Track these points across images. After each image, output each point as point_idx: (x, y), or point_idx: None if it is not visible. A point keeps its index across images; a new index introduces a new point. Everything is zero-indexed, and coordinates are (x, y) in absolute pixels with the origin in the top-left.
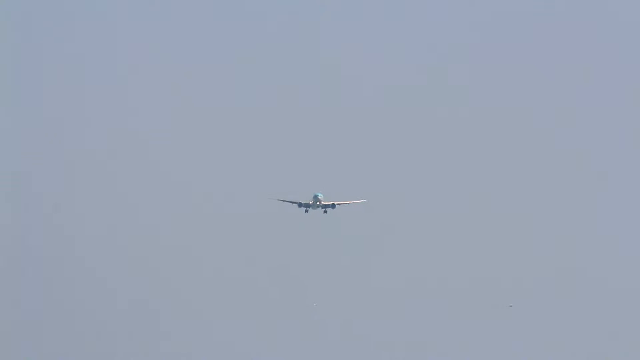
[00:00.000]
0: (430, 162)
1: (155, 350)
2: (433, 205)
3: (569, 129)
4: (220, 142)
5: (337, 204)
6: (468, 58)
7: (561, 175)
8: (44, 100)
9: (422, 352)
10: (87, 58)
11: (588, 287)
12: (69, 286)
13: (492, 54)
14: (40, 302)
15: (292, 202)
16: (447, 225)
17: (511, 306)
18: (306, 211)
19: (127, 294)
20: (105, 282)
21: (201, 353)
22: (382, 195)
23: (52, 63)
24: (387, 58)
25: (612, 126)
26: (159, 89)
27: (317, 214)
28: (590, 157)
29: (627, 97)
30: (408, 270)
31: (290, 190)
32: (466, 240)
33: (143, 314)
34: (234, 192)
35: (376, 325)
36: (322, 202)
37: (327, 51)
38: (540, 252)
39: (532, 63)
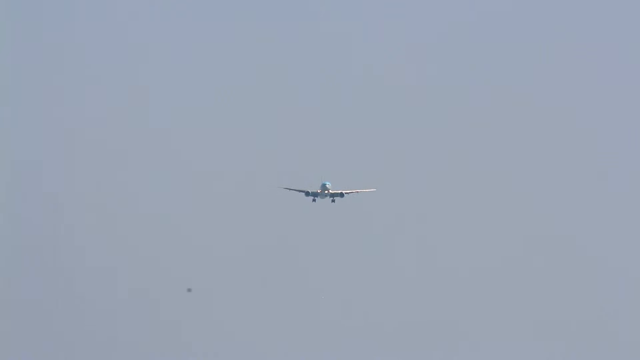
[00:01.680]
0: (441, 150)
1: (163, 341)
2: (444, 194)
3: (571, 126)
4: (227, 129)
5: (346, 193)
6: (476, 47)
7: (570, 168)
8: (43, 99)
9: (430, 342)
10: (87, 56)
11: (593, 283)
12: (71, 282)
13: (494, 49)
14: (41, 301)
15: (299, 191)
16: (458, 214)
17: None
18: (314, 200)
19: (130, 285)
20: (108, 270)
21: (207, 343)
22: (392, 184)
23: (51, 62)
24: (398, 45)
25: (616, 125)
26: (164, 78)
27: (324, 203)
28: (596, 154)
29: (631, 97)
30: (418, 261)
31: (297, 178)
32: (477, 229)
33: (147, 305)
34: (240, 180)
35: (385, 317)
36: (330, 191)
37: (334, 39)
38: (552, 241)
39: (534, 62)
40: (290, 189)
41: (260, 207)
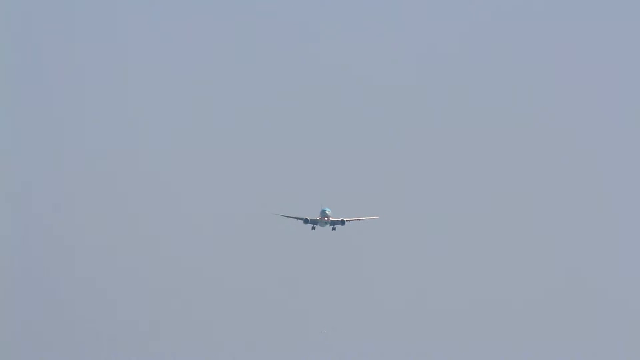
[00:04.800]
0: (447, 176)
1: None
2: (450, 222)
3: (578, 130)
4: (222, 153)
5: (347, 221)
6: (482, 69)
7: (583, 184)
8: (43, 103)
9: None
10: (87, 59)
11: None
12: (65, 289)
13: (501, 73)
14: (38, 306)
15: (298, 218)
16: (465, 242)
17: None
18: (313, 228)
19: (126, 314)
20: (105, 299)
21: None
22: (395, 211)
23: (50, 66)
24: (404, 73)
25: (616, 127)
26: (160, 103)
27: (324, 231)
28: (603, 160)
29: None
30: (423, 291)
31: (295, 204)
32: (484, 258)
33: (143, 337)
34: (235, 207)
35: (388, 349)
36: (331, 218)
37: (338, 62)
38: (558, 269)
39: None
40: (288, 217)
41: (257, 235)
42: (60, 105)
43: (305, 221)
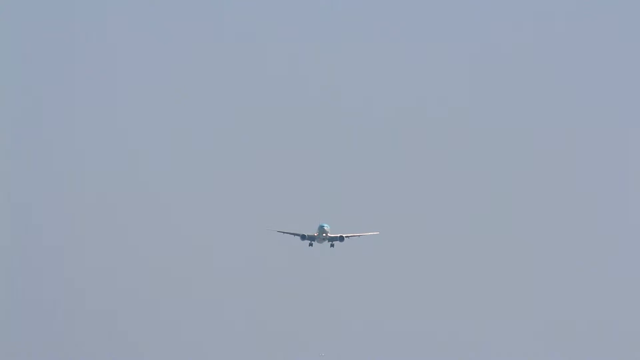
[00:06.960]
0: (449, 192)
1: None
2: (452, 239)
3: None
4: (218, 166)
5: (346, 237)
6: (480, 91)
7: (591, 210)
8: (43, 104)
9: None
10: (85, 60)
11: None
12: (64, 291)
13: (499, 95)
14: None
15: (294, 234)
16: (467, 260)
17: None
18: (310, 244)
19: (123, 329)
20: (100, 319)
21: None
22: (396, 227)
23: (49, 67)
24: (400, 87)
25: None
26: (155, 114)
27: (322, 248)
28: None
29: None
30: (424, 310)
31: (292, 220)
32: (486, 276)
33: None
34: (229, 222)
35: None
36: (329, 234)
37: (336, 74)
38: (558, 293)
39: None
40: (284, 232)
41: (251, 252)
42: (59, 105)
43: (303, 237)
